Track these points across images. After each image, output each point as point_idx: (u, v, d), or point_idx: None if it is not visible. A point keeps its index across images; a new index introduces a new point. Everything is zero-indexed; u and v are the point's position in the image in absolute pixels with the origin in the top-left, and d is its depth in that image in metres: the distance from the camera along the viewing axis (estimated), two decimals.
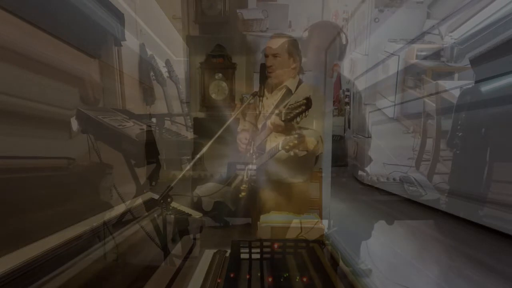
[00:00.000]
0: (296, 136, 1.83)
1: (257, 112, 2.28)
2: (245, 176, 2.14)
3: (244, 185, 2.12)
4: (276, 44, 2.19)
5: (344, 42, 2.23)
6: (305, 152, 1.99)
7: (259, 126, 2.28)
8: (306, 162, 2.23)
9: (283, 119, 1.86)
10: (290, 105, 1.88)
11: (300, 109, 1.79)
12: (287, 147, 1.86)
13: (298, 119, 1.82)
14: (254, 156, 2.19)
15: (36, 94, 1.67)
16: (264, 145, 2.17)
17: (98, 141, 1.93)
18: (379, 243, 2.74)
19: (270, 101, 2.28)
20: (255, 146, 2.21)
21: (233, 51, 3.33)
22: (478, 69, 2.75)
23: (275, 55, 2.18)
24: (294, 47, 2.22)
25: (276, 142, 2.06)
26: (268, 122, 2.03)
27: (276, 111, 2.02)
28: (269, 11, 3.54)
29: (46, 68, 1.73)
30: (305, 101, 1.79)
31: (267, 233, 1.85)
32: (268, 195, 2.21)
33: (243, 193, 2.12)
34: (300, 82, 2.25)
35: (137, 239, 1.82)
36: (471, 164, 2.73)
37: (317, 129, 2.03)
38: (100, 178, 1.95)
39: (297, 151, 1.92)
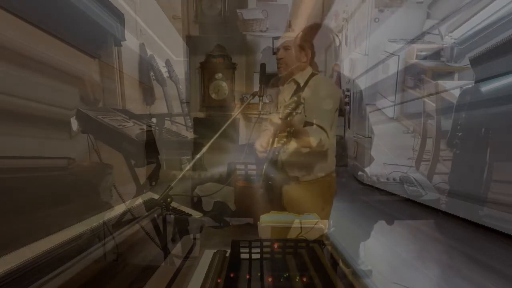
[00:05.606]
0: (286, 134, 1.86)
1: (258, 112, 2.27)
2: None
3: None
4: (288, 37, 2.16)
5: (337, 44, 2.24)
6: (308, 149, 1.99)
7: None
8: (314, 159, 2.18)
9: (281, 117, 1.86)
10: (286, 103, 1.88)
11: (292, 106, 1.80)
12: (281, 142, 1.89)
13: (292, 116, 1.83)
14: (269, 156, 2.16)
15: (36, 94, 1.67)
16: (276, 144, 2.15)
17: (98, 141, 1.93)
18: (378, 243, 2.74)
19: (282, 96, 2.25)
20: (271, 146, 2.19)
21: (233, 51, 3.33)
22: (478, 69, 2.75)
23: (286, 48, 2.15)
24: (305, 40, 2.16)
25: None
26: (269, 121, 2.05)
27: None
28: (269, 11, 3.54)
29: (46, 68, 1.73)
30: (296, 98, 1.81)
31: (267, 233, 1.85)
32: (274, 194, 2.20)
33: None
34: (312, 75, 2.17)
35: (137, 239, 1.81)
36: (471, 164, 2.73)
37: (323, 125, 1.99)
38: (100, 178, 1.95)
39: (301, 147, 1.93)
